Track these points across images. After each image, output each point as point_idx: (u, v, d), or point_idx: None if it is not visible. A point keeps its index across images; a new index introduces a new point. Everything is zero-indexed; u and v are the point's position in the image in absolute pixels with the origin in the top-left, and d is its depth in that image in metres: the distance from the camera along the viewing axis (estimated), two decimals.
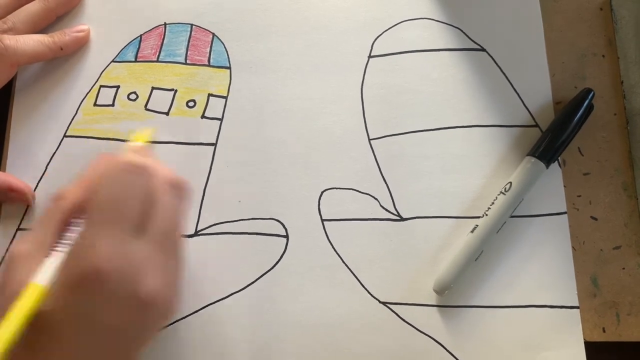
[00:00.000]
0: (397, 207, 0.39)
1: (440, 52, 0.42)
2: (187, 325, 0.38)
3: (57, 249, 0.31)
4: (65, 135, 0.42)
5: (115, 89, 0.43)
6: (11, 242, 0.40)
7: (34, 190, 0.41)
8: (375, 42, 0.43)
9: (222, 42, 0.43)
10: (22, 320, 0.27)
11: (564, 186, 0.39)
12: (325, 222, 0.39)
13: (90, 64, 0.44)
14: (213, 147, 0.41)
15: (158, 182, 0.33)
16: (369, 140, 0.41)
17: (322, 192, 0.40)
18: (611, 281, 0.38)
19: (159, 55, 0.43)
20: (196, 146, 0.41)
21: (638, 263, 0.38)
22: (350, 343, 0.37)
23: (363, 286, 0.38)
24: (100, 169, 0.33)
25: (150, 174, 0.32)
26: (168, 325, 0.38)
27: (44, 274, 0.29)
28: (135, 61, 0.43)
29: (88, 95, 0.43)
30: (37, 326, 0.28)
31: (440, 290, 0.37)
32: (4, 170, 0.42)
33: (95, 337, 0.29)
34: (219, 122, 0.42)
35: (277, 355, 0.37)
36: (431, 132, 0.40)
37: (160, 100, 0.42)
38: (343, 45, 0.43)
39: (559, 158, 0.39)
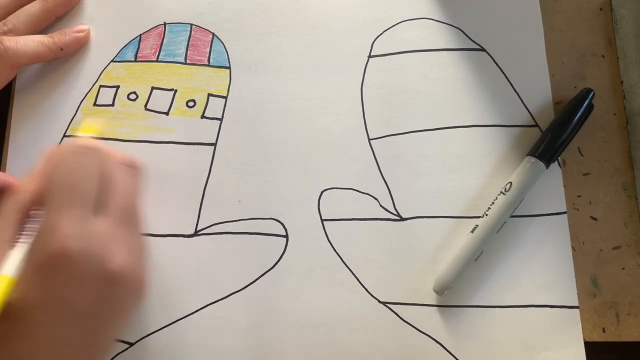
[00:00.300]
0: (397, 207, 0.39)
1: (440, 52, 0.42)
2: (187, 325, 0.38)
3: (19, 239, 0.31)
4: (65, 135, 0.42)
5: (115, 89, 0.43)
6: None
7: None
8: (375, 42, 0.43)
9: (221, 42, 0.43)
10: None
11: (564, 186, 0.39)
12: (325, 222, 0.39)
13: (90, 63, 0.43)
14: (213, 147, 0.41)
15: (111, 162, 0.33)
16: (369, 140, 0.41)
17: (322, 192, 0.40)
18: (611, 281, 0.38)
19: (158, 55, 0.43)
20: (196, 146, 0.41)
21: (638, 263, 0.38)
22: (350, 343, 0.37)
23: (363, 286, 0.38)
24: (52, 158, 0.33)
25: (102, 154, 0.33)
26: (169, 325, 0.38)
27: (10, 265, 0.29)
28: (135, 61, 0.43)
29: (88, 95, 0.43)
30: (7, 317, 0.28)
31: (440, 290, 0.37)
32: (4, 170, 0.42)
33: (69, 318, 0.29)
34: (219, 122, 0.42)
35: (277, 355, 0.37)
36: (431, 132, 0.40)
37: (160, 100, 0.42)
38: (343, 45, 0.43)
39: (559, 158, 0.39)
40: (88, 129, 0.39)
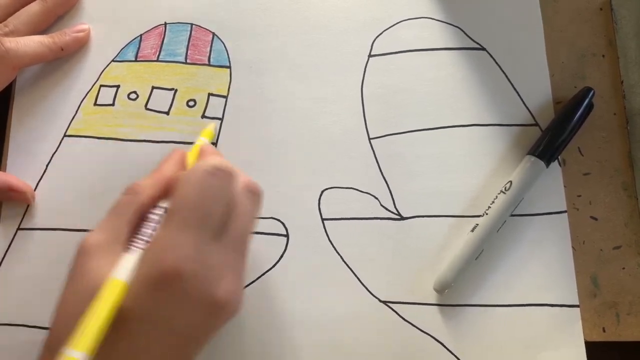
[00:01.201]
0: (397, 206, 0.39)
1: (440, 51, 0.42)
2: None
3: (135, 244, 0.31)
4: (65, 135, 0.42)
5: (116, 88, 0.43)
6: (11, 243, 0.40)
7: (34, 189, 0.41)
8: (375, 42, 0.43)
9: (222, 41, 0.43)
10: (107, 317, 0.27)
11: (564, 186, 0.39)
12: (325, 221, 0.39)
13: (90, 63, 0.43)
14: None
15: (238, 187, 0.33)
16: (369, 139, 0.41)
17: (323, 192, 0.40)
18: (611, 281, 0.38)
19: (159, 55, 0.43)
20: None
21: (638, 263, 0.38)
22: (351, 342, 0.37)
23: (363, 285, 0.38)
24: (186, 171, 0.33)
25: (232, 179, 0.33)
26: None
27: (124, 270, 0.29)
28: (136, 61, 0.43)
29: (88, 94, 0.43)
30: (112, 323, 0.28)
31: (440, 289, 0.37)
32: (4, 170, 0.42)
33: (168, 336, 0.29)
34: (219, 121, 0.42)
35: (277, 354, 0.37)
36: (431, 131, 0.41)
37: (161, 100, 0.42)
38: (343, 45, 0.43)
39: (559, 157, 0.39)
40: (208, 134, 0.39)
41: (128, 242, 0.31)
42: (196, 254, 0.29)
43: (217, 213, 0.31)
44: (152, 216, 0.32)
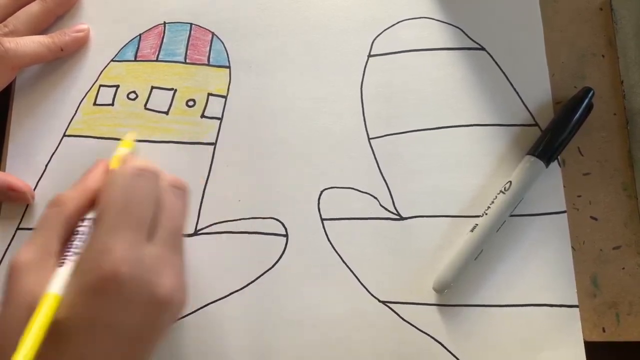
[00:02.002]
0: (396, 206, 0.39)
1: (440, 51, 0.42)
2: (187, 324, 0.38)
3: (68, 256, 0.31)
4: (64, 135, 0.42)
5: (115, 88, 0.43)
6: (10, 242, 0.40)
7: (34, 189, 0.41)
8: (375, 42, 0.43)
9: (221, 41, 0.43)
10: (43, 332, 0.27)
11: (564, 187, 0.39)
12: (324, 221, 0.39)
13: (90, 63, 0.44)
14: (213, 147, 0.41)
15: (163, 185, 0.34)
16: (369, 139, 0.41)
17: (322, 192, 0.40)
18: (611, 281, 0.38)
19: (158, 55, 0.43)
20: (196, 146, 0.41)
21: (638, 263, 0.38)
22: (350, 342, 0.37)
23: (363, 285, 0.38)
24: (111, 178, 0.33)
25: (157, 178, 0.33)
26: None
27: (60, 283, 0.29)
28: (135, 60, 0.43)
29: (87, 94, 0.43)
30: (51, 335, 0.28)
31: (440, 289, 0.37)
32: (4, 170, 0.42)
33: (113, 341, 0.29)
34: (219, 121, 0.42)
35: (277, 354, 0.37)
36: (431, 131, 0.40)
37: (160, 100, 0.42)
38: (343, 45, 0.43)
39: (559, 158, 0.39)
40: (127, 144, 0.39)
41: (59, 255, 0.31)
42: (131, 255, 0.29)
43: (147, 212, 0.31)
44: (80, 228, 0.32)
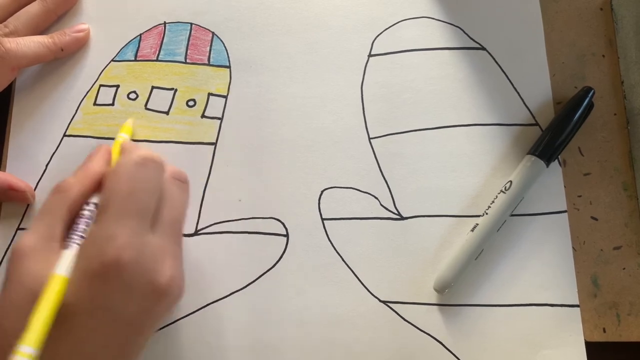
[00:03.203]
0: (397, 206, 0.39)
1: (440, 50, 0.42)
2: (188, 324, 0.38)
3: (72, 240, 0.31)
4: (65, 135, 0.42)
5: (115, 88, 0.43)
6: (11, 242, 0.40)
7: (34, 189, 0.41)
8: (375, 41, 0.43)
9: (221, 41, 0.43)
10: (52, 314, 0.28)
11: (565, 187, 0.39)
12: (325, 221, 0.39)
13: (90, 63, 0.44)
14: (213, 147, 0.41)
15: (166, 176, 0.34)
16: (369, 139, 0.41)
17: (322, 191, 0.40)
18: (611, 281, 0.38)
19: (158, 55, 0.43)
20: (196, 145, 0.41)
21: (638, 263, 0.38)
22: (351, 342, 0.37)
23: (363, 285, 0.38)
24: (115, 163, 0.33)
25: (161, 168, 0.34)
26: (170, 324, 0.38)
27: (65, 266, 0.30)
28: (135, 60, 0.43)
29: (88, 94, 0.43)
30: (57, 318, 0.28)
31: (440, 289, 0.37)
32: (4, 170, 0.42)
33: (113, 326, 0.30)
34: (219, 121, 0.42)
35: (277, 354, 0.37)
36: (431, 130, 0.40)
37: (160, 100, 0.42)
38: (343, 44, 0.43)
39: (559, 158, 0.39)
40: (127, 130, 0.40)
41: (64, 239, 0.32)
42: (134, 243, 0.30)
43: (151, 202, 0.32)
44: (84, 212, 0.33)
